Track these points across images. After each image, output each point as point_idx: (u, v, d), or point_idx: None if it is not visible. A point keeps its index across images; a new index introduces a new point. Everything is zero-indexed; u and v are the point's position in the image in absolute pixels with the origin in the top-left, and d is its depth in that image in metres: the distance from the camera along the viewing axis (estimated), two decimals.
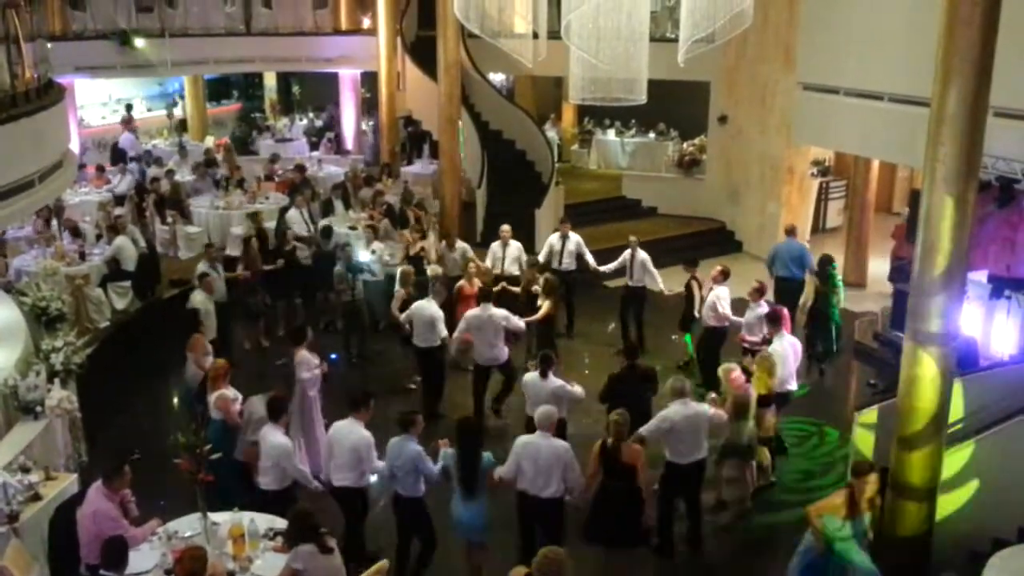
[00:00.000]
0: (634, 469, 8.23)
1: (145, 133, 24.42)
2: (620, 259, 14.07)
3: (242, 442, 8.91)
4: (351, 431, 8.34)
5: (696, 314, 12.93)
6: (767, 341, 10.87)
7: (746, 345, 11.50)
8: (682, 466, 9.01)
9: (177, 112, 26.20)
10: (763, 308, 11.47)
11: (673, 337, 14.06)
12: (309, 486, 8.45)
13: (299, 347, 10.32)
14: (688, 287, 13.18)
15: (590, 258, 14.48)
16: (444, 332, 11.62)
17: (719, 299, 12.19)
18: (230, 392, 9.12)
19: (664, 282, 13.87)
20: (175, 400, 12.45)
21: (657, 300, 14.10)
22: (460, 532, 8.35)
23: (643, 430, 8.87)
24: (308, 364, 10.19)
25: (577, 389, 9.89)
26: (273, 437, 8.19)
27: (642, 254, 13.85)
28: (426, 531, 8.45)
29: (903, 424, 8.32)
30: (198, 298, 12.15)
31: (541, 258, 14.40)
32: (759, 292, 11.73)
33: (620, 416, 8.36)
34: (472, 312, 11.54)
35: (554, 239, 14.48)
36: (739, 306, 12.36)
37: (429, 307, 11.59)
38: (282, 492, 8.23)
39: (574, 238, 14.41)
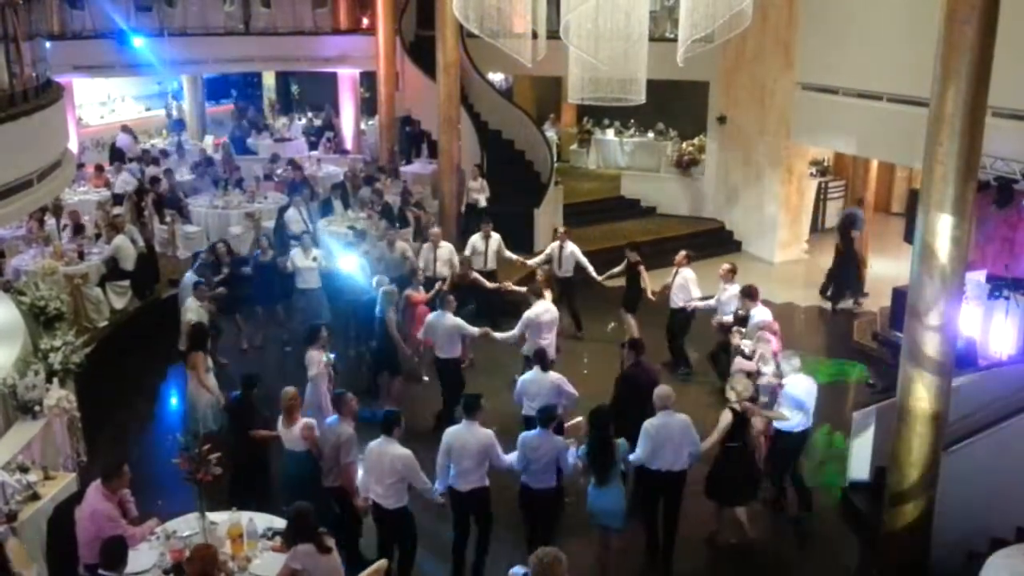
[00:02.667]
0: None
1: (144, 132, 24.46)
2: (547, 251, 14.48)
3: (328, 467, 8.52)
4: (472, 433, 8.27)
5: (651, 295, 13.50)
6: (743, 319, 11.44)
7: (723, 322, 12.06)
8: (795, 434, 9.58)
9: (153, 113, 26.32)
10: (735, 287, 12.06)
11: (611, 326, 14.42)
12: (431, 496, 8.26)
13: (311, 347, 10.22)
14: (634, 270, 13.66)
15: (511, 255, 14.84)
16: (474, 331, 11.64)
17: (687, 280, 12.87)
18: (311, 421, 8.68)
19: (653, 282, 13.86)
20: (175, 407, 12.21)
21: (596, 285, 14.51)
22: (598, 520, 8.42)
23: (782, 409, 9.43)
24: (316, 361, 10.15)
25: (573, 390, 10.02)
26: (396, 449, 8.01)
27: (571, 246, 14.30)
28: (551, 524, 8.60)
29: (901, 424, 8.32)
30: (193, 306, 11.78)
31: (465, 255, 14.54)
32: (732, 272, 12.38)
33: (746, 383, 9.19)
34: (533, 310, 11.60)
35: (476, 239, 14.72)
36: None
37: (444, 319, 11.40)
38: (405, 507, 8.16)
39: (495, 238, 14.74)
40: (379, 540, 8.37)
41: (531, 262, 14.74)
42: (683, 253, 13.29)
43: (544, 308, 11.71)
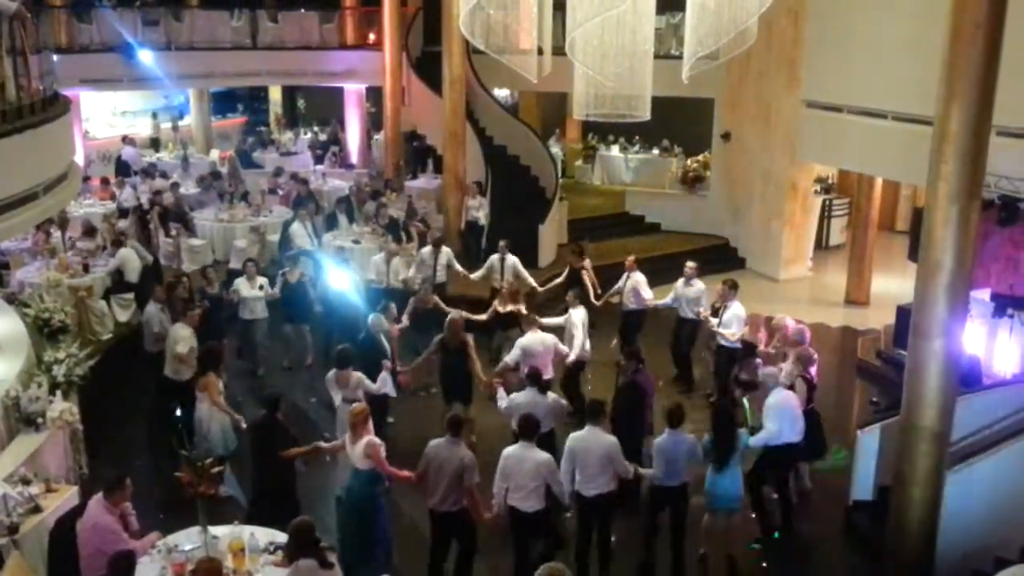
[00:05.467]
0: None
1: (149, 147, 24.54)
2: (488, 263, 14.60)
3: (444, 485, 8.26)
4: (596, 440, 8.36)
5: (595, 299, 13.88)
6: (716, 310, 12.41)
7: (691, 316, 13.04)
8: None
9: (166, 125, 26.29)
10: (700, 284, 13.05)
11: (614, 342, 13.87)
12: (564, 501, 8.41)
13: (345, 369, 10.04)
14: (577, 275, 14.11)
15: (459, 267, 14.98)
16: (565, 349, 11.55)
17: (638, 284, 13.47)
18: (376, 439, 8.56)
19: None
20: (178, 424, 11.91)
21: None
22: (715, 504, 8.87)
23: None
24: (365, 383, 10.06)
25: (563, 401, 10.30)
26: (538, 455, 8.12)
27: (512, 258, 14.40)
28: (684, 515, 8.87)
29: (905, 443, 8.30)
30: (185, 334, 11.15)
31: (412, 271, 14.46)
32: (695, 270, 13.13)
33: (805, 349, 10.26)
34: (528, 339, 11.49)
35: (426, 253, 14.72)
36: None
37: (540, 336, 11.21)
38: (545, 508, 8.26)
39: (446, 251, 14.79)
40: (515, 544, 8.45)
41: (474, 275, 14.78)
42: (632, 257, 13.92)
43: (537, 339, 11.28)
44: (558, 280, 14.31)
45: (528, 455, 8.12)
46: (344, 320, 13.29)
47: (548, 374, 11.15)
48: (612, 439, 8.42)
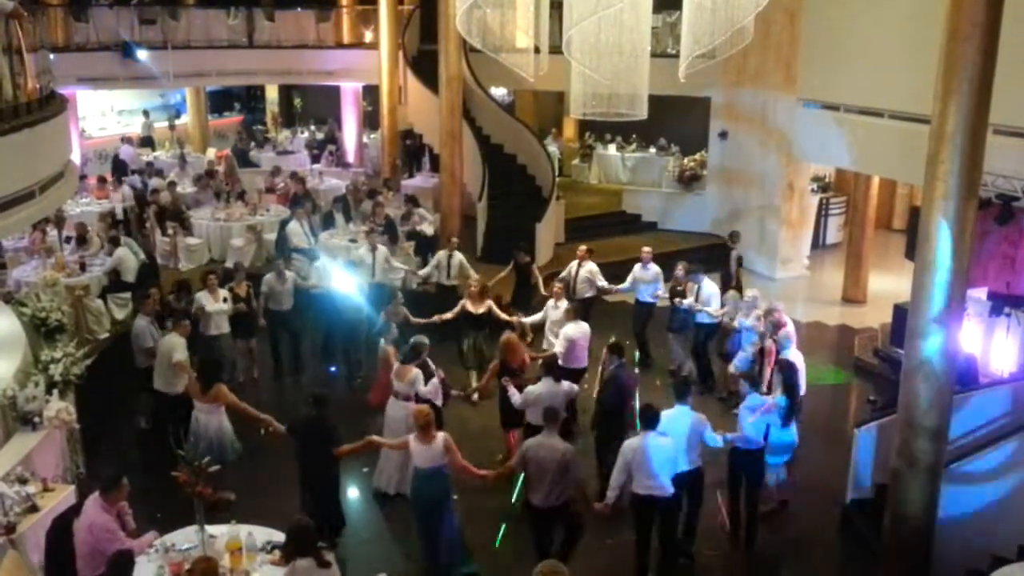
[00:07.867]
0: None
1: (143, 145, 24.48)
2: (435, 260, 14.85)
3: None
4: (683, 416, 8.78)
5: (543, 290, 14.08)
6: (682, 294, 13.06)
7: (649, 299, 13.92)
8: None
9: (159, 125, 26.22)
10: (656, 268, 13.96)
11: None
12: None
13: (410, 362, 10.12)
14: (525, 270, 14.66)
15: (399, 265, 15.22)
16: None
17: (592, 273, 14.12)
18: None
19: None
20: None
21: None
22: (787, 453, 9.74)
23: None
24: (419, 384, 10.10)
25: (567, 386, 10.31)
26: (668, 442, 8.43)
27: (459, 255, 14.71)
28: (761, 477, 9.56)
29: (903, 441, 8.31)
30: (179, 344, 10.82)
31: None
32: (650, 255, 14.11)
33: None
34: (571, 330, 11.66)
35: (363, 252, 14.70)
36: None
37: (583, 328, 11.55)
38: (678, 498, 8.63)
39: (382, 250, 14.75)
40: (639, 529, 8.68)
41: (421, 272, 15.07)
42: (584, 247, 14.45)
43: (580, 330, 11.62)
44: (502, 275, 14.53)
45: (659, 444, 8.34)
46: (344, 324, 13.35)
47: (584, 363, 11.60)
48: (700, 416, 8.87)
